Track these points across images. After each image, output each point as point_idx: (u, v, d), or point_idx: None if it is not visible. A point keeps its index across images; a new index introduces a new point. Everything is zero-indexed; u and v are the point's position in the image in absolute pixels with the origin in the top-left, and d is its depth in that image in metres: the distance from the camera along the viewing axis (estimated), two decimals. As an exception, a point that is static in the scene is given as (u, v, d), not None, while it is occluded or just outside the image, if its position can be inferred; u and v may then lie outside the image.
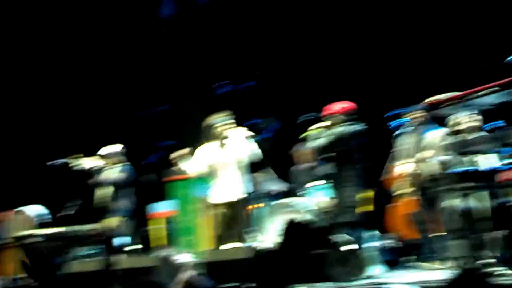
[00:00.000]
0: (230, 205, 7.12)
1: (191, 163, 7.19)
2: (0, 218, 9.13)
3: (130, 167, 7.96)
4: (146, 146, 10.78)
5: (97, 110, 11.43)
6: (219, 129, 7.09)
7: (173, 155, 7.18)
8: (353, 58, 10.02)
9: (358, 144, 6.76)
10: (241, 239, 7.15)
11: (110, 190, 7.83)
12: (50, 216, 9.14)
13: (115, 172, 7.90)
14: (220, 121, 7.10)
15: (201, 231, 8.24)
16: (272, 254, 1.96)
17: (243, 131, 7.17)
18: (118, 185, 7.77)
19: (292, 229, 1.96)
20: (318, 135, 6.82)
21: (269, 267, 6.23)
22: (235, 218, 7.15)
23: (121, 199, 7.79)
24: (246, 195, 7.29)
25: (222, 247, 7.09)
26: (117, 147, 8.10)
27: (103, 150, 8.08)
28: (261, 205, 8.21)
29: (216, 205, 7.14)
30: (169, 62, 11.57)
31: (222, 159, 7.11)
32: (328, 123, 6.89)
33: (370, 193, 7.30)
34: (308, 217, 7.91)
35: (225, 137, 7.09)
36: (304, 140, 7.10)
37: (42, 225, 8.82)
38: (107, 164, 7.98)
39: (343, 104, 6.94)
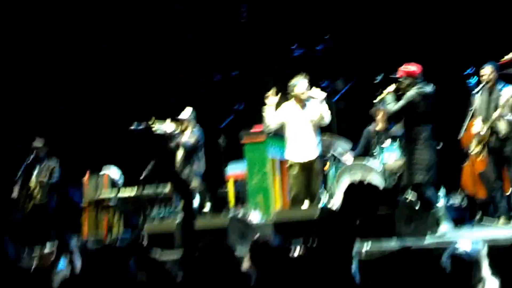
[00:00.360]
0: (306, 164, 7.30)
1: (270, 121, 7.45)
2: (83, 181, 9.54)
3: (200, 130, 8.16)
4: (222, 109, 10.96)
5: (174, 74, 11.67)
6: (296, 92, 7.34)
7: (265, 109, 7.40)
8: (426, 15, 9.78)
9: (430, 105, 6.67)
10: (314, 200, 7.27)
11: (183, 153, 8.06)
12: (123, 180, 9.50)
13: (186, 136, 8.12)
14: (298, 82, 7.33)
15: (272, 192, 8.37)
16: (340, 214, 2.01)
17: (318, 93, 7.33)
18: (189, 148, 7.99)
19: (361, 188, 1.99)
20: (391, 99, 6.78)
21: (337, 226, 6.32)
22: (309, 179, 7.31)
23: (192, 161, 8.01)
24: (319, 156, 7.48)
25: (297, 207, 7.23)
26: (188, 111, 8.31)
27: (181, 115, 8.32)
28: (328, 166, 8.28)
29: (292, 165, 7.35)
30: (244, 25, 11.62)
31: (298, 119, 7.36)
32: (399, 85, 6.82)
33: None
34: (377, 177, 7.91)
35: (302, 99, 7.32)
36: (379, 103, 7.08)
37: (119, 187, 9.21)
38: (181, 128, 8.21)
39: (412, 66, 6.83)
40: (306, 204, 7.39)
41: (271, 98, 7.40)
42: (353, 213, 2.08)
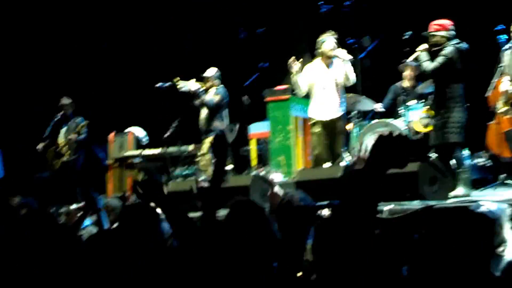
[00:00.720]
0: (329, 123, 7.30)
1: (302, 86, 7.42)
2: (108, 139, 9.62)
3: (224, 89, 8.13)
4: (247, 67, 10.90)
5: (198, 32, 11.60)
6: (324, 49, 7.29)
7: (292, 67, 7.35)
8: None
9: (463, 63, 6.54)
10: (338, 158, 7.25)
11: (206, 111, 8.06)
12: (147, 139, 9.56)
13: (210, 95, 8.11)
14: (327, 39, 7.28)
15: (294, 151, 8.35)
16: (362, 172, 1.96)
17: (344, 54, 7.28)
18: (212, 107, 7.98)
19: (391, 139, 1.94)
20: (425, 56, 6.64)
21: (359, 185, 6.30)
22: (333, 138, 7.30)
23: (215, 120, 8.01)
24: (343, 115, 7.46)
25: (319, 166, 7.21)
26: (212, 70, 8.27)
27: (205, 73, 8.30)
28: (352, 126, 8.21)
29: (315, 123, 7.35)
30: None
31: (323, 78, 7.32)
32: (432, 40, 6.66)
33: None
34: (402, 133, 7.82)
35: (329, 57, 7.28)
36: (414, 61, 6.97)
37: (144, 146, 9.28)
38: (206, 86, 8.20)
39: (444, 20, 6.68)
40: (328, 163, 7.38)
41: (294, 65, 7.26)
42: (383, 165, 2.01)
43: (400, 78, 8.67)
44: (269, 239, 2.44)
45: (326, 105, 7.30)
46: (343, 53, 7.27)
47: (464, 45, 6.55)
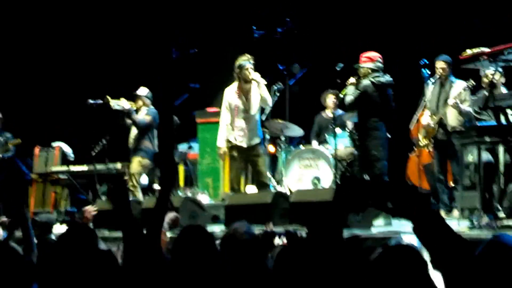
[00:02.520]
0: (248, 149, 7.20)
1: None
2: (34, 153, 9.36)
3: (155, 111, 8.10)
4: (178, 88, 10.88)
5: (130, 52, 11.51)
6: (243, 72, 7.14)
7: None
8: (386, 6, 9.88)
9: (386, 96, 6.74)
10: (262, 184, 7.26)
11: (136, 131, 8.00)
12: (73, 155, 9.38)
13: (141, 115, 8.06)
14: (244, 64, 7.13)
15: (222, 174, 8.40)
16: (332, 204, 2.02)
17: (259, 76, 7.19)
18: (143, 127, 7.94)
19: (353, 182, 2.01)
20: (351, 91, 6.85)
21: (286, 212, 6.40)
22: (253, 162, 7.25)
23: (145, 140, 7.96)
24: (261, 139, 7.39)
25: (235, 189, 7.21)
26: (144, 90, 8.23)
27: (138, 91, 8.22)
28: (273, 151, 8.31)
29: (232, 147, 7.21)
30: (205, 2, 11.51)
31: (242, 103, 7.21)
32: (359, 72, 6.88)
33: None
34: (326, 164, 7.99)
35: (246, 81, 7.15)
36: (343, 96, 7.10)
37: (68, 162, 9.08)
38: (136, 105, 8.14)
39: (372, 53, 6.90)
40: (252, 188, 7.40)
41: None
42: (346, 206, 2.09)
43: (322, 107, 8.89)
44: (218, 269, 2.46)
45: (245, 131, 7.19)
46: (258, 76, 7.18)
47: (383, 78, 6.71)
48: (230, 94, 7.27)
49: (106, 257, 2.74)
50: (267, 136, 8.21)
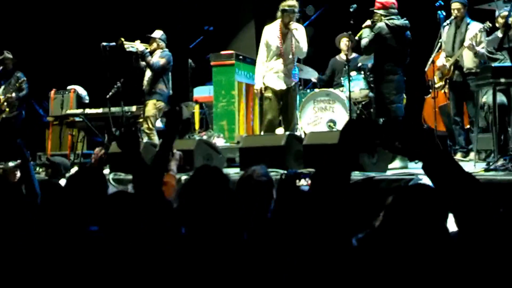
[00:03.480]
0: (282, 92, 7.23)
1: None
2: (50, 96, 9.42)
3: (169, 54, 8.05)
4: (193, 30, 10.80)
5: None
6: (285, 17, 7.11)
7: None
8: None
9: (401, 39, 6.67)
10: (290, 126, 7.29)
11: (151, 73, 7.97)
12: (88, 98, 9.43)
13: (156, 57, 8.02)
14: (290, 10, 7.10)
15: (237, 116, 8.42)
16: (337, 147, 2.00)
17: (300, 26, 7.22)
18: (157, 70, 7.90)
19: (360, 124, 1.99)
20: (367, 33, 6.78)
21: (300, 155, 6.42)
22: (286, 105, 7.26)
23: (159, 83, 7.94)
24: (296, 82, 7.41)
25: (273, 131, 7.23)
26: (158, 33, 8.17)
27: (152, 34, 8.17)
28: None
29: (267, 88, 7.24)
30: None
31: (280, 45, 7.20)
32: (374, 17, 6.79)
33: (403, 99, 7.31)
34: (341, 106, 8.00)
35: (289, 25, 7.13)
36: (359, 38, 7.03)
37: (83, 105, 9.12)
38: (151, 48, 8.09)
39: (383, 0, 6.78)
40: (281, 129, 7.42)
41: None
42: (353, 147, 2.06)
43: (337, 51, 8.83)
44: (233, 209, 2.48)
45: (280, 73, 7.22)
46: (298, 27, 7.22)
47: (397, 21, 6.63)
48: (270, 33, 7.28)
49: (114, 199, 2.78)
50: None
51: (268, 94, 7.22)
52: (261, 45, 7.34)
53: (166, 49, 8.09)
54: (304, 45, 7.22)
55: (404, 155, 2.14)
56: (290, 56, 7.24)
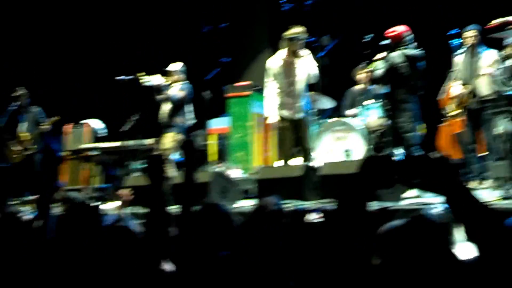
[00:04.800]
0: (296, 121, 7.16)
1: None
2: (63, 131, 9.49)
3: (189, 86, 8.10)
4: (209, 62, 10.90)
5: (161, 26, 11.55)
6: (294, 45, 7.02)
7: None
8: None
9: (416, 69, 6.66)
10: (307, 156, 7.19)
11: (169, 106, 8.03)
12: (105, 131, 9.47)
13: (174, 90, 8.07)
14: (299, 38, 7.01)
15: (253, 147, 8.43)
16: (356, 182, 2.02)
17: (307, 51, 7.14)
18: (176, 103, 7.95)
19: (379, 160, 2.01)
20: (380, 65, 6.79)
21: (317, 185, 6.40)
22: (300, 135, 7.18)
23: (178, 116, 7.98)
24: (309, 110, 7.33)
25: (287, 161, 7.16)
26: (178, 65, 8.23)
27: (169, 67, 8.23)
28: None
29: (281, 121, 7.17)
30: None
31: (291, 74, 7.13)
32: (385, 53, 6.81)
33: (423, 128, 7.27)
34: (358, 135, 7.97)
35: (297, 53, 7.06)
36: (371, 71, 7.04)
37: (100, 138, 9.17)
38: (169, 81, 8.15)
39: (398, 28, 6.80)
40: (298, 160, 7.38)
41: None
42: (372, 182, 2.09)
43: (353, 83, 8.83)
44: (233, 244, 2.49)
45: (291, 103, 7.14)
46: (307, 53, 7.14)
47: (409, 50, 6.64)
48: (276, 64, 7.18)
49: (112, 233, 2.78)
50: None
51: (283, 124, 7.16)
52: (268, 77, 7.22)
53: (187, 81, 8.14)
54: (314, 69, 7.11)
55: (424, 189, 2.16)
56: (300, 83, 7.14)
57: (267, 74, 7.23)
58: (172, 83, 8.11)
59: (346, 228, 2.04)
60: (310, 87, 8.03)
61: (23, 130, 9.24)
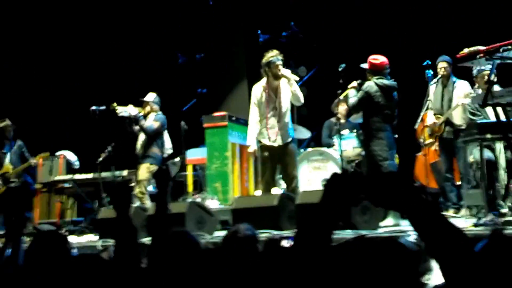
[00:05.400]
0: (280, 148, 7.03)
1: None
2: (37, 163, 9.38)
3: (163, 116, 8.10)
4: (185, 93, 10.92)
5: (136, 57, 11.57)
6: (273, 69, 6.90)
7: None
8: (388, 8, 9.89)
9: (390, 98, 6.71)
10: (292, 183, 7.05)
11: (144, 137, 8.00)
12: (79, 163, 9.38)
13: (149, 121, 8.06)
14: (275, 60, 6.90)
15: (231, 178, 8.41)
16: (321, 203, 1.97)
17: (290, 73, 7.00)
18: (151, 134, 7.93)
19: (345, 178, 1.96)
20: (354, 93, 6.81)
21: (293, 214, 6.38)
22: (285, 162, 7.04)
23: (153, 146, 7.96)
24: (292, 139, 7.15)
25: (270, 190, 7.03)
26: (152, 96, 8.24)
27: (145, 97, 8.21)
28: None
29: (263, 147, 7.04)
30: (211, 8, 11.56)
31: (272, 100, 7.01)
32: (357, 82, 6.86)
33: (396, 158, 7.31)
34: (335, 165, 8.00)
35: (276, 77, 6.95)
36: (344, 98, 7.05)
37: (74, 170, 9.08)
38: (144, 112, 8.14)
39: (379, 58, 6.84)
40: (277, 190, 7.27)
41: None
42: (337, 203, 2.04)
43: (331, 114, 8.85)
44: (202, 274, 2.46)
45: (276, 130, 7.01)
46: (288, 73, 7.01)
47: (386, 80, 6.67)
48: (258, 91, 7.06)
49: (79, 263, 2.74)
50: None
51: (264, 153, 7.05)
52: (252, 105, 7.13)
53: (160, 112, 8.14)
54: (299, 92, 7.00)
55: (390, 208, 2.13)
56: (284, 110, 7.04)
57: (251, 101, 7.16)
58: (147, 113, 8.10)
59: (311, 255, 2.00)
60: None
61: (7, 162, 9.14)
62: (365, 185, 2.03)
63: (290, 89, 6.96)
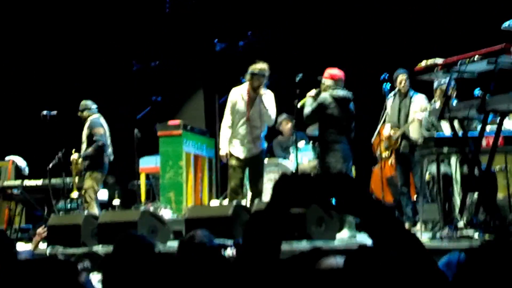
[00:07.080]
0: (245, 159, 6.90)
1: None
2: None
3: (95, 120, 7.94)
4: (140, 100, 10.77)
5: (91, 63, 11.36)
6: (254, 81, 6.81)
7: None
8: (346, 20, 9.94)
9: (347, 110, 6.69)
10: (259, 194, 6.94)
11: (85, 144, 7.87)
12: (28, 170, 9.15)
13: (87, 127, 7.92)
14: (259, 74, 6.80)
15: (185, 187, 8.28)
16: (269, 206, 1.86)
17: (268, 91, 6.95)
18: (89, 140, 7.79)
19: (294, 179, 1.85)
20: (310, 102, 6.74)
21: (261, 225, 6.28)
22: (252, 173, 6.95)
23: (92, 153, 7.80)
24: (261, 151, 7.05)
25: (236, 199, 6.86)
26: (88, 103, 8.09)
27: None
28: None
29: (232, 156, 6.91)
30: (167, 15, 11.46)
31: (247, 110, 6.89)
32: (320, 87, 6.81)
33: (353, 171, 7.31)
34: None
35: (257, 89, 6.84)
36: (301, 107, 6.96)
37: (22, 176, 8.84)
38: (84, 118, 8.00)
39: (335, 70, 6.82)
40: (247, 199, 7.18)
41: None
42: (286, 205, 1.93)
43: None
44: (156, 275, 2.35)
45: (245, 141, 6.88)
46: (267, 92, 6.95)
47: (341, 92, 6.63)
48: (237, 96, 6.93)
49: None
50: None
51: (232, 162, 6.90)
52: (227, 109, 6.98)
53: (95, 115, 7.98)
54: (272, 112, 6.91)
55: (337, 211, 2.04)
56: (257, 123, 6.92)
57: (227, 104, 7.03)
58: (85, 119, 7.94)
59: (256, 266, 1.89)
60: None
61: None
62: (315, 186, 1.94)
63: (264, 104, 6.85)
